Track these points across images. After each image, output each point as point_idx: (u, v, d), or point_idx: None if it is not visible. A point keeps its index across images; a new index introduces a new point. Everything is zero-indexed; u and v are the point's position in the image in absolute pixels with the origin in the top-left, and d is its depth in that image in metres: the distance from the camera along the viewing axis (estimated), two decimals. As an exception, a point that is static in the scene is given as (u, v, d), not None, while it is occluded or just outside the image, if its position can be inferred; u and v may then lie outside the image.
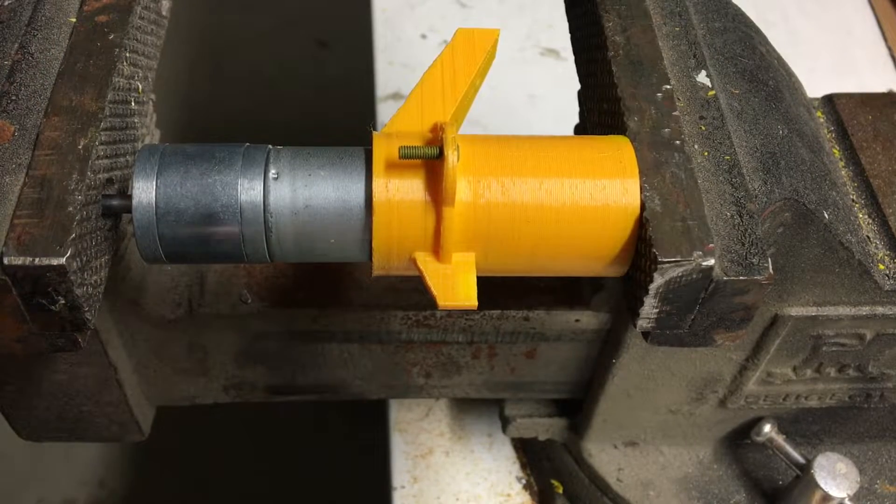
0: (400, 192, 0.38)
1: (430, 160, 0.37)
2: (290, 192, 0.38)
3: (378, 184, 0.38)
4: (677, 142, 0.41)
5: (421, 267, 0.39)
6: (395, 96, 0.95)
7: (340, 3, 1.50)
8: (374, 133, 0.39)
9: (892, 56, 1.03)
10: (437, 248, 0.38)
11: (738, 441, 0.62)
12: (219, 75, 1.56)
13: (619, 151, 0.40)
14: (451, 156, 0.36)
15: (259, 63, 1.56)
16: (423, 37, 1.01)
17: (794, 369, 0.54)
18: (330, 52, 1.60)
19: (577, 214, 0.38)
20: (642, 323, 0.40)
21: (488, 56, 0.43)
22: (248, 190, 0.38)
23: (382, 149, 0.38)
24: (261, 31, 1.61)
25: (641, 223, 0.38)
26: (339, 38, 1.58)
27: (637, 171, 0.39)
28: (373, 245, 0.38)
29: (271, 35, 1.60)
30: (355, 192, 0.38)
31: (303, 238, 0.39)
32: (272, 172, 0.39)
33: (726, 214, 0.40)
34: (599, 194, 0.38)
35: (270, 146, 0.40)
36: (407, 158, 0.37)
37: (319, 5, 1.59)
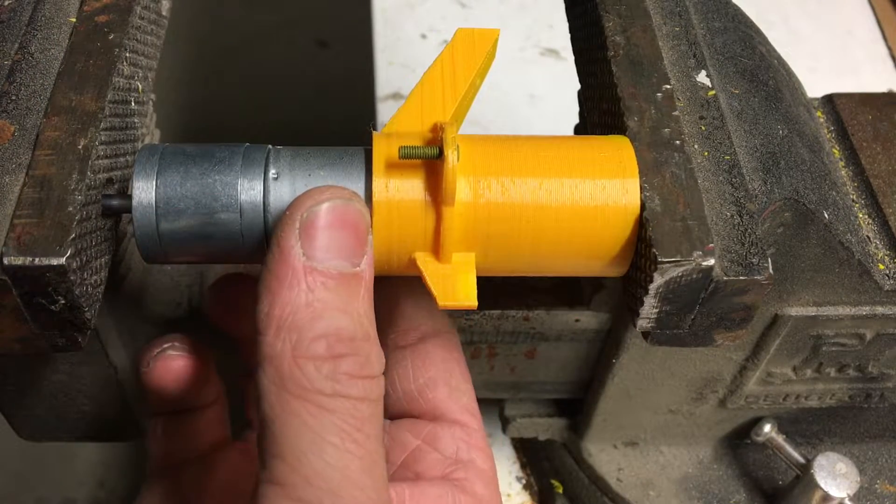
0: (400, 192, 0.38)
1: (430, 160, 0.37)
2: (290, 192, 0.38)
3: (378, 184, 0.38)
4: (677, 142, 0.41)
5: (421, 267, 0.38)
6: (395, 96, 0.95)
7: (340, 3, 1.50)
8: (374, 133, 0.39)
9: (892, 56, 1.03)
10: (437, 248, 0.38)
11: (738, 441, 0.62)
12: (219, 75, 1.56)
13: (619, 151, 0.40)
14: (451, 156, 0.36)
15: (259, 63, 1.56)
16: (423, 37, 1.01)
17: (794, 369, 0.54)
18: (330, 52, 1.60)
19: (577, 214, 0.38)
20: (642, 323, 0.40)
21: (488, 56, 0.43)
22: (248, 190, 0.38)
23: (382, 149, 0.38)
24: (261, 31, 1.60)
25: (641, 223, 0.38)
26: (339, 38, 1.58)
27: (637, 171, 0.39)
28: (372, 245, 0.38)
29: (271, 35, 1.59)
30: (355, 191, 0.38)
31: (303, 238, 0.39)
32: (272, 172, 0.39)
33: (726, 214, 0.40)
34: (599, 194, 0.38)
35: (270, 146, 0.40)
36: (407, 158, 0.37)
37: (319, 5, 1.59)
